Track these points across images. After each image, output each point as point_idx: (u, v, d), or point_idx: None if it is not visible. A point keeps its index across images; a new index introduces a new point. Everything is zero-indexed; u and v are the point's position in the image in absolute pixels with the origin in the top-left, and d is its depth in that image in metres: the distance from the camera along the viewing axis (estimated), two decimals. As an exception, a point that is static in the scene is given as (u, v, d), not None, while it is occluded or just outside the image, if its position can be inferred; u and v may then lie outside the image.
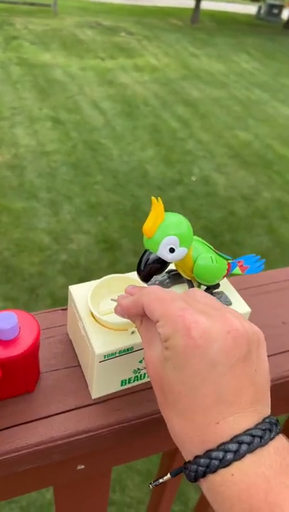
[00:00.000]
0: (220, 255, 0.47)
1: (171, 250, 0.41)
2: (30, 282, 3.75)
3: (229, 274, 0.49)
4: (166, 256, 0.41)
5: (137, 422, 0.46)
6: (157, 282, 0.48)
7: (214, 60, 11.01)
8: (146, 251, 0.42)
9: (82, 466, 0.56)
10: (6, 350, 0.40)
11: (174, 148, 6.74)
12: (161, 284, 0.49)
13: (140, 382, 0.48)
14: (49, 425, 0.44)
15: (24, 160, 5.97)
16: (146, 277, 0.42)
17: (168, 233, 0.40)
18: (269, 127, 7.79)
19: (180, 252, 0.41)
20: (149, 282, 0.46)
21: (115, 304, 0.45)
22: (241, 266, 0.51)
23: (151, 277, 0.42)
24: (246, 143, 7.12)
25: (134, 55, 10.59)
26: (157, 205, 0.40)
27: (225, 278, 0.52)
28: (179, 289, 0.48)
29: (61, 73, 8.94)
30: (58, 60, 9.61)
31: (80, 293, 0.47)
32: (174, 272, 0.50)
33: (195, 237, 0.45)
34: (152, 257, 0.41)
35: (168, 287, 0.49)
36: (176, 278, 0.50)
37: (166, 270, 0.50)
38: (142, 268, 0.42)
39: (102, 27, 12.38)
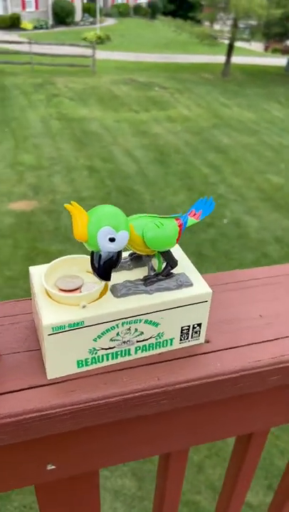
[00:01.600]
0: (165, 217, 0.47)
1: (111, 240, 0.41)
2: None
3: (186, 227, 0.49)
4: (110, 247, 0.41)
5: (92, 405, 0.45)
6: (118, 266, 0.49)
7: (245, 109, 11.28)
8: (92, 253, 0.42)
9: (53, 467, 0.54)
10: None
11: (205, 192, 6.83)
12: (123, 266, 0.49)
13: (97, 365, 0.47)
14: (0, 402, 0.43)
15: (61, 206, 6.20)
16: (105, 276, 0.42)
17: (99, 226, 0.40)
18: (301, 171, 7.79)
19: (121, 236, 0.41)
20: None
21: (71, 282, 0.45)
22: (194, 215, 0.51)
23: (110, 274, 0.42)
24: (278, 186, 7.12)
25: (167, 107, 11.02)
26: (75, 209, 0.41)
27: (183, 254, 0.51)
28: (140, 273, 0.48)
29: (97, 126, 9.39)
30: (94, 114, 10.13)
31: (38, 272, 0.47)
32: (135, 255, 0.50)
33: (133, 216, 0.46)
34: (100, 255, 0.41)
35: (130, 269, 0.49)
36: (137, 260, 0.50)
37: (128, 254, 0.50)
38: (98, 269, 0.41)
39: (136, 83, 13.04)
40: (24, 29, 23.01)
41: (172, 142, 8.71)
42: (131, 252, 0.50)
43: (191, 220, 0.50)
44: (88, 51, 14.71)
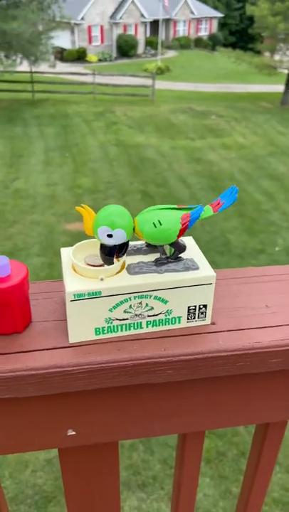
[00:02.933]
0: (172, 210, 0.53)
1: (109, 236, 0.49)
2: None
3: (198, 219, 0.54)
4: (108, 241, 0.50)
5: (105, 366, 0.51)
6: (135, 248, 0.56)
7: (303, 138, 11.16)
8: (100, 245, 0.51)
9: (73, 433, 0.61)
10: None
11: (257, 219, 6.79)
12: (139, 251, 0.56)
13: (112, 334, 0.54)
14: (27, 357, 0.51)
15: (112, 228, 6.40)
16: (106, 261, 0.51)
17: (97, 225, 0.49)
18: None
19: (118, 233, 0.49)
20: (129, 249, 0.54)
21: (98, 260, 0.53)
22: (218, 205, 0.55)
23: (112, 260, 0.51)
24: None
25: (222, 135, 11.14)
26: (85, 210, 0.50)
27: (194, 244, 0.58)
28: (153, 257, 0.55)
29: (153, 152, 9.66)
30: (151, 141, 10.43)
31: (67, 251, 0.56)
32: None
33: (144, 210, 0.53)
34: (103, 246, 0.50)
35: (146, 254, 0.56)
36: (152, 246, 0.57)
37: (145, 242, 0.57)
38: (101, 255, 0.51)
39: (194, 112, 13.31)
40: (89, 61, 24.29)
41: (226, 169, 8.77)
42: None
43: (207, 212, 0.55)
44: (148, 81, 15.27)
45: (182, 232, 0.53)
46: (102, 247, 0.51)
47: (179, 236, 0.53)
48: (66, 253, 0.55)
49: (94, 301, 0.51)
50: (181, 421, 0.64)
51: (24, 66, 13.57)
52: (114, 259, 0.52)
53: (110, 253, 0.51)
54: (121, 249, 0.51)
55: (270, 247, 6.16)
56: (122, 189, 7.73)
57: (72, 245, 0.56)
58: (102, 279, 0.51)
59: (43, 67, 13.90)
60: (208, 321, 0.56)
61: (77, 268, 0.52)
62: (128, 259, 0.55)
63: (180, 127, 11.72)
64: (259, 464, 0.75)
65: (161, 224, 0.51)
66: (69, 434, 0.61)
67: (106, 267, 0.52)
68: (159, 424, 0.64)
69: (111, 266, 0.52)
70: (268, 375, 0.59)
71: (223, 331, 0.55)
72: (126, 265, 0.54)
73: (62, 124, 11.43)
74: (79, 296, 0.50)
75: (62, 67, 19.15)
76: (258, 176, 8.36)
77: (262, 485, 0.77)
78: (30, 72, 14.08)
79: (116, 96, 14.67)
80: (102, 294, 0.51)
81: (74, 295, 0.50)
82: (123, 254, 0.52)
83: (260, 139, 10.84)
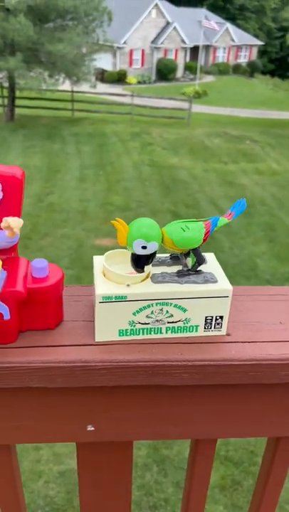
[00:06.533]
0: (195, 221, 0.59)
1: (143, 248, 0.55)
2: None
3: (216, 227, 0.60)
4: (142, 252, 0.55)
5: (126, 365, 0.56)
6: (160, 260, 0.61)
7: None
8: (132, 254, 0.56)
9: (93, 428, 0.66)
10: (37, 284, 0.56)
11: (288, 246, 6.75)
12: (163, 262, 0.61)
13: (134, 337, 0.59)
14: (57, 351, 0.56)
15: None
16: (138, 270, 0.56)
17: (134, 238, 0.54)
18: None
19: (151, 245, 0.55)
20: (154, 262, 0.59)
21: (122, 267, 0.59)
22: (229, 215, 0.62)
23: (143, 268, 0.56)
24: None
25: (256, 160, 11.17)
26: (119, 224, 0.55)
27: (214, 260, 0.62)
28: (175, 269, 0.60)
29: (185, 174, 9.78)
30: (184, 163, 10.56)
31: (99, 259, 0.62)
32: (174, 255, 0.62)
33: (170, 223, 0.59)
34: (136, 256, 0.56)
35: (169, 265, 0.61)
36: (175, 259, 0.62)
37: (169, 254, 0.62)
38: (134, 264, 0.56)
39: (228, 136, 13.41)
40: (128, 83, 24.91)
41: (258, 194, 8.78)
42: (171, 252, 0.62)
43: (223, 220, 0.62)
44: (185, 104, 15.52)
45: (206, 236, 0.58)
46: (136, 257, 0.56)
47: (204, 240, 0.58)
48: (98, 260, 0.61)
49: (120, 305, 0.56)
50: (194, 427, 0.68)
51: (66, 85, 14.07)
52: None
53: (142, 263, 0.56)
54: (149, 259, 0.57)
55: (299, 274, 6.09)
56: (153, 208, 7.83)
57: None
58: (128, 285, 0.56)
59: (84, 87, 14.37)
60: (223, 331, 0.60)
61: (107, 273, 0.58)
62: (153, 269, 0.60)
63: (214, 150, 11.83)
64: (269, 478, 0.78)
65: (188, 228, 0.57)
66: (88, 429, 0.66)
67: (133, 274, 0.57)
68: (173, 427, 0.68)
69: (138, 274, 0.57)
70: (279, 387, 0.63)
71: (237, 342, 0.60)
72: (150, 274, 0.59)
73: (98, 143, 11.73)
74: (107, 299, 0.56)
75: (102, 87, 19.72)
76: (290, 203, 8.32)
77: (272, 499, 0.80)
78: (72, 91, 14.57)
79: (153, 118, 14.96)
80: (128, 299, 0.56)
81: (103, 297, 0.55)
82: (150, 263, 0.58)
83: (294, 166, 10.80)
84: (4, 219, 0.51)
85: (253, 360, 0.57)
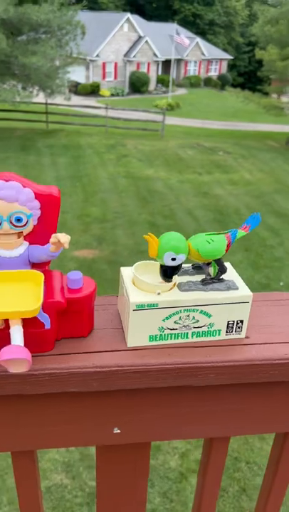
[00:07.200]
0: (217, 233, 0.64)
1: (173, 259, 0.60)
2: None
3: (236, 238, 0.66)
4: (171, 263, 0.60)
5: (157, 368, 0.60)
6: (183, 270, 0.66)
7: (308, 177, 11.41)
8: (161, 265, 0.62)
9: (118, 431, 0.69)
10: (73, 294, 0.60)
11: (262, 254, 6.91)
12: (186, 272, 0.66)
13: (163, 342, 0.63)
14: (93, 357, 0.60)
15: (121, 256, 6.53)
16: (167, 279, 0.62)
17: (164, 251, 0.59)
18: None
19: (180, 257, 0.60)
20: (179, 273, 0.64)
21: (148, 277, 0.63)
22: (245, 228, 0.68)
23: (171, 277, 0.62)
24: None
25: (229, 170, 11.41)
26: (151, 238, 0.60)
27: (232, 268, 0.68)
28: (199, 277, 0.65)
29: (161, 185, 9.90)
30: (159, 174, 10.70)
31: (127, 270, 0.66)
32: (196, 264, 0.67)
33: (194, 236, 0.65)
34: (166, 267, 0.61)
35: (193, 275, 0.66)
36: (198, 269, 0.67)
37: (192, 264, 0.67)
38: (164, 274, 0.62)
39: (202, 147, 13.66)
40: (102, 95, 25.09)
41: (232, 204, 8.96)
42: (194, 262, 0.68)
43: (241, 233, 0.68)
44: (159, 117, 15.75)
45: (228, 247, 0.64)
46: (166, 268, 0.61)
47: (226, 250, 0.64)
48: (127, 270, 0.66)
49: (151, 312, 0.61)
50: (209, 426, 0.73)
51: (40, 98, 14.08)
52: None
53: (171, 273, 0.61)
54: (177, 270, 0.62)
55: (275, 282, 6.24)
56: (130, 219, 7.89)
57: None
58: (158, 294, 0.61)
59: (58, 99, 14.41)
60: (243, 334, 0.66)
61: (138, 283, 0.62)
62: (178, 279, 0.65)
63: (188, 162, 12.02)
64: (277, 473, 0.83)
65: (213, 241, 0.62)
66: (114, 431, 0.69)
67: (162, 283, 0.62)
68: (189, 427, 0.72)
69: (167, 283, 0.62)
70: (287, 384, 0.68)
71: (256, 344, 0.65)
72: (177, 283, 0.64)
73: (74, 155, 11.75)
74: (140, 307, 0.60)
75: (76, 100, 19.81)
76: (263, 212, 8.52)
77: (279, 492, 0.85)
78: (46, 103, 14.58)
79: (127, 130, 15.11)
80: (159, 306, 0.61)
81: (136, 305, 0.60)
82: (177, 273, 0.62)
83: (266, 176, 11.09)
84: (53, 235, 0.55)
85: (272, 359, 0.63)
